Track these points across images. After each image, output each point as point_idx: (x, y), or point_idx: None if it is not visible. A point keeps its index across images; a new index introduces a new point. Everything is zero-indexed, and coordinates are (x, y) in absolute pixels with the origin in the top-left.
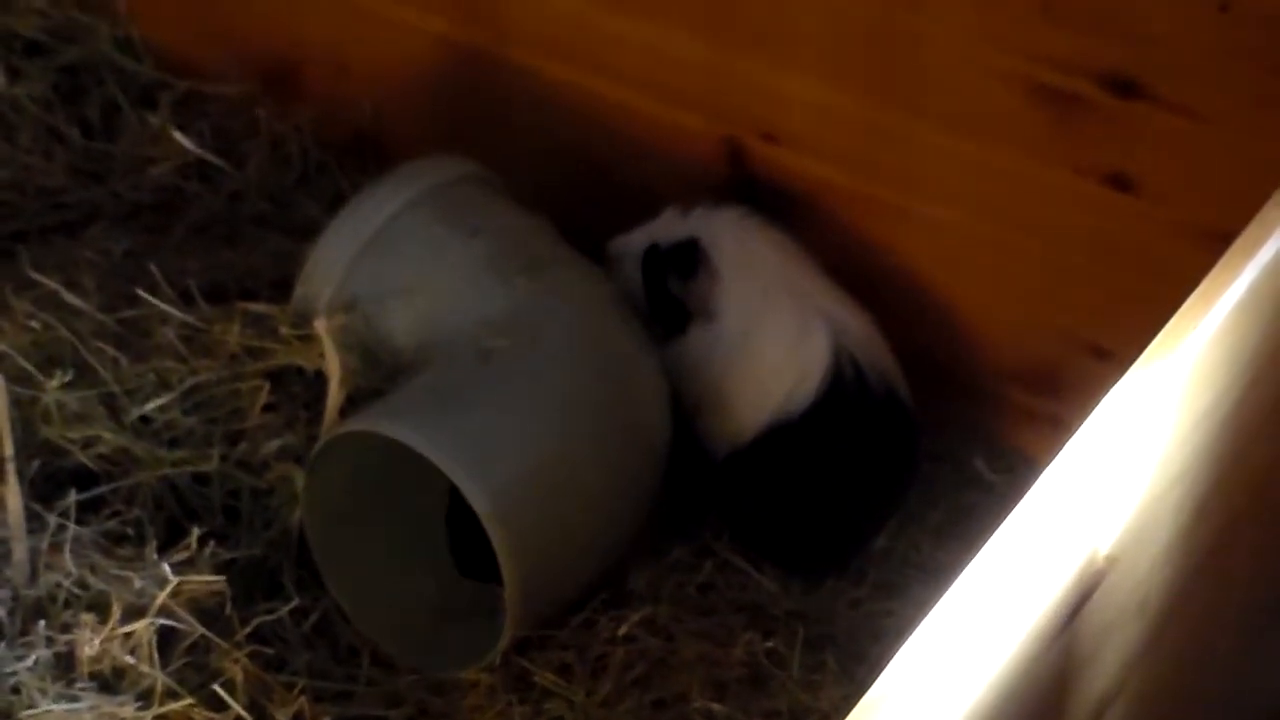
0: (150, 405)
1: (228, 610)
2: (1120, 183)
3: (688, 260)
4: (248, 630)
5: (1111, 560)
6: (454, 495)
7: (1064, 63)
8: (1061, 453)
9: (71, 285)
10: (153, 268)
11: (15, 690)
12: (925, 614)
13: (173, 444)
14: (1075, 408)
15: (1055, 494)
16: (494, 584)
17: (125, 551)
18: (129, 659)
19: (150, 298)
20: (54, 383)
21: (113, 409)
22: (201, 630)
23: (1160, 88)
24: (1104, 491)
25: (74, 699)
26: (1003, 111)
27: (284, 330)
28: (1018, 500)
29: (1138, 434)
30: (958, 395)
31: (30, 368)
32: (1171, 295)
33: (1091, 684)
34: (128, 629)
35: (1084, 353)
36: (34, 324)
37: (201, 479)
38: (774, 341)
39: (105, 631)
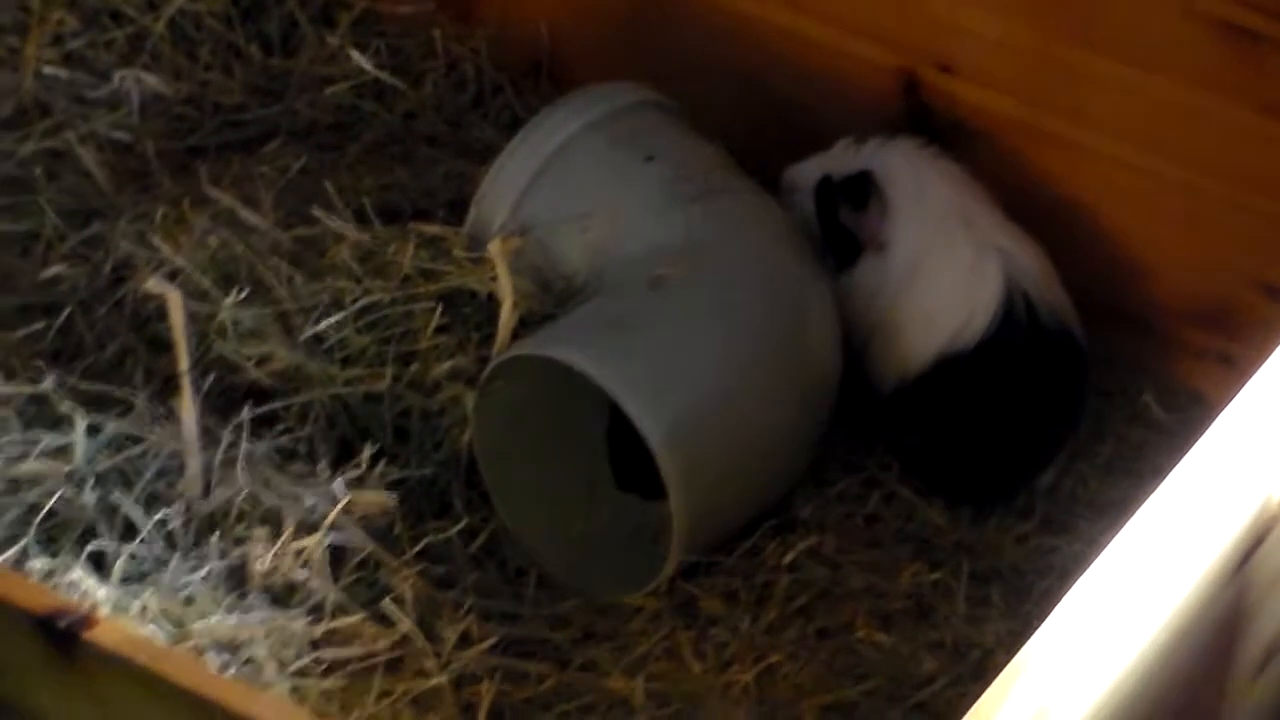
0: (324, 324)
1: (397, 529)
2: None
3: (860, 192)
4: (417, 549)
5: None
6: (615, 410)
7: None
8: (1237, 397)
9: (248, 202)
10: (328, 186)
11: (188, 601)
12: (1093, 551)
13: (345, 363)
14: (1246, 346)
15: (1230, 439)
16: (654, 500)
17: (297, 468)
18: (300, 574)
19: (325, 216)
20: (229, 299)
21: (286, 326)
22: (372, 547)
23: None
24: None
25: (246, 611)
26: (1180, 46)
27: (457, 252)
28: (1187, 438)
29: None
30: (1128, 331)
31: (207, 283)
32: None
33: (1261, 630)
34: (299, 545)
35: (1257, 291)
36: (211, 240)
37: (373, 398)
38: (946, 275)
39: (277, 546)
